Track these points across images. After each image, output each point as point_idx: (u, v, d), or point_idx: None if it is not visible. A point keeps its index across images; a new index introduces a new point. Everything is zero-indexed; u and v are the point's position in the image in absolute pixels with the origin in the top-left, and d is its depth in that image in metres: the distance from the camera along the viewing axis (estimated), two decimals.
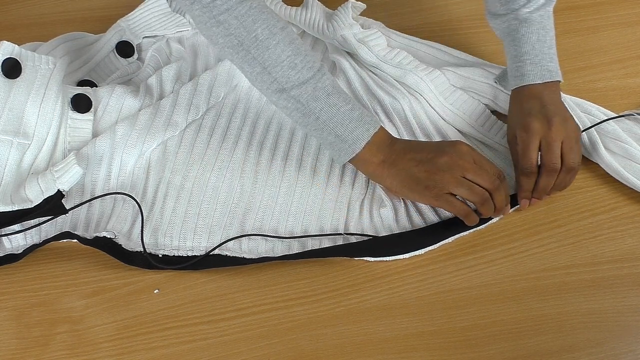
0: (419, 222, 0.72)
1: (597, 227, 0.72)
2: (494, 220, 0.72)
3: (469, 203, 0.68)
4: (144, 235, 0.71)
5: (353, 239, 0.71)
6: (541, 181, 0.70)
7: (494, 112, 0.81)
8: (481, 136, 0.78)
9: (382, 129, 0.70)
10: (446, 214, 0.72)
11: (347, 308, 0.66)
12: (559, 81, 0.74)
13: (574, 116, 0.73)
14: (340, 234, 0.71)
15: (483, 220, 0.71)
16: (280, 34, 0.67)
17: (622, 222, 0.72)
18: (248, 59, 0.67)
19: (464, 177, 0.67)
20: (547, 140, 0.70)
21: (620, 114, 0.78)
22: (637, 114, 0.78)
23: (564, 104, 0.73)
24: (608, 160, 0.74)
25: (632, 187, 0.73)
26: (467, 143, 0.71)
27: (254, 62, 0.67)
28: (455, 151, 0.68)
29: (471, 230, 0.71)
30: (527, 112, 0.71)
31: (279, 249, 0.70)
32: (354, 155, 0.69)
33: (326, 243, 0.71)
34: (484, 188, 0.67)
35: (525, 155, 0.70)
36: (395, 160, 0.69)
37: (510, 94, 0.76)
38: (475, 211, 0.69)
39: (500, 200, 0.68)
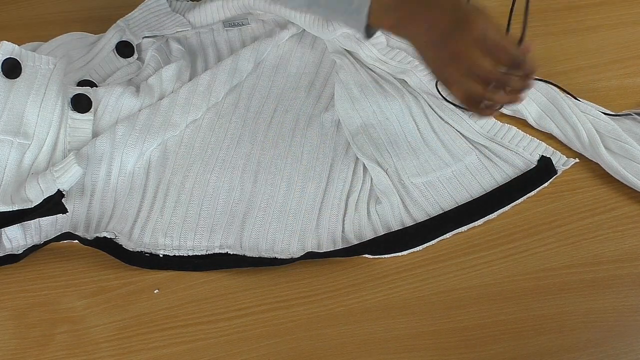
0: (417, 214, 0.72)
1: (597, 227, 0.72)
2: None
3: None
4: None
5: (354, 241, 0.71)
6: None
7: None
8: (482, 138, 0.78)
9: None
10: (443, 205, 0.73)
11: (347, 308, 0.67)
12: None
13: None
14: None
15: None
16: None
17: (622, 222, 0.72)
18: None
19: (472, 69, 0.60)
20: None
21: (618, 113, 0.79)
22: (635, 113, 0.78)
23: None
24: (608, 160, 0.74)
25: (632, 187, 0.73)
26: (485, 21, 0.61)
27: None
28: (465, 41, 0.60)
29: (469, 226, 0.71)
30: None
31: (279, 247, 0.70)
32: (364, 26, 0.64)
33: (325, 246, 0.71)
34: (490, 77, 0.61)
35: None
36: (407, 25, 0.63)
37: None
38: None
39: (514, 85, 0.61)
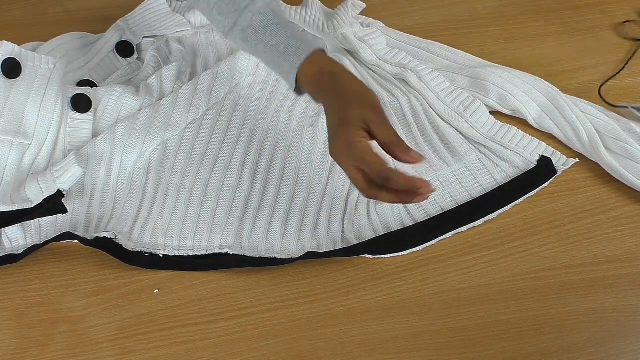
0: (417, 214, 0.72)
1: (597, 227, 0.72)
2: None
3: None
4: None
5: (354, 241, 0.71)
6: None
7: (496, 112, 0.81)
8: (482, 138, 0.78)
9: (309, 60, 0.65)
10: (443, 205, 0.73)
11: (347, 308, 0.67)
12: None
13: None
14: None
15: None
16: None
17: (622, 222, 0.72)
18: (199, 7, 0.72)
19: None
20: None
21: (616, 105, 0.79)
22: (632, 107, 0.78)
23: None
24: (608, 160, 0.74)
25: (632, 187, 0.73)
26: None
27: (198, 8, 0.72)
28: (337, 147, 0.61)
29: (469, 226, 0.71)
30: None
31: (279, 247, 0.70)
32: (293, 88, 0.67)
33: (325, 246, 0.71)
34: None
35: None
36: (324, 103, 0.65)
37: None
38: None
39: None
